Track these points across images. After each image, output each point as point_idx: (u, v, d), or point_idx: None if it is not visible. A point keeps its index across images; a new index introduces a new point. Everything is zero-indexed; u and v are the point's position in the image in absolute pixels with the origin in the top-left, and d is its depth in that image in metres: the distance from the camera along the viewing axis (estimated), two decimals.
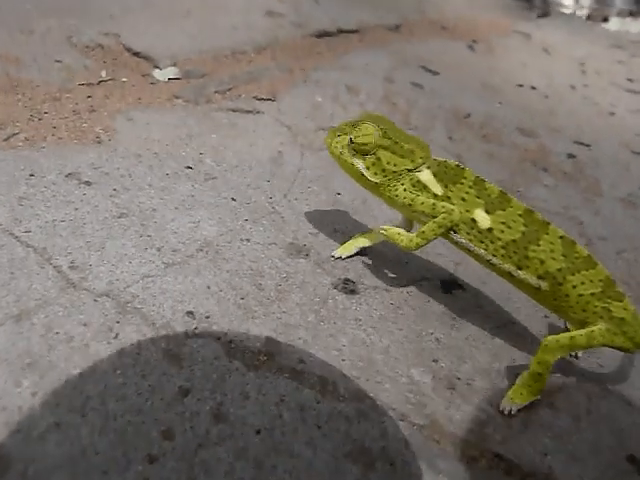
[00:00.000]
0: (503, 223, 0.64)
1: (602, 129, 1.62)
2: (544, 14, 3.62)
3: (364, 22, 2.06)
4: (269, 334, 0.62)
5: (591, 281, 0.62)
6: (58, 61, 1.17)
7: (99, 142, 0.90)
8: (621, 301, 0.63)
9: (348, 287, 0.72)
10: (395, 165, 0.67)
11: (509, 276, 0.65)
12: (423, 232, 0.66)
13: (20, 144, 0.85)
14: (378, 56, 1.73)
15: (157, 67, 1.27)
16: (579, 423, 0.63)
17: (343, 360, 0.61)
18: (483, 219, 0.64)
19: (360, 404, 0.57)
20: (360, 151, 0.67)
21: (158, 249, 0.69)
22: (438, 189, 0.66)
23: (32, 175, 0.76)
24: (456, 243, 0.67)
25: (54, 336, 0.56)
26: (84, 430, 0.49)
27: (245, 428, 0.52)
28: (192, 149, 0.94)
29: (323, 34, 1.82)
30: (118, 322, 0.58)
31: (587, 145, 1.47)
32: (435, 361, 0.65)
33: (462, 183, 0.66)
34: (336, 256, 0.76)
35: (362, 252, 0.78)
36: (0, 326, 0.56)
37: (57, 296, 0.60)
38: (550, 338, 0.62)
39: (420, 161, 0.67)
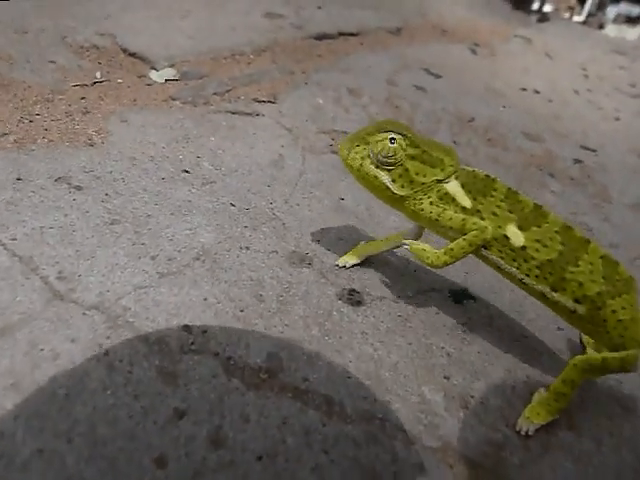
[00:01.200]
0: (538, 241, 0.59)
1: (608, 134, 1.59)
2: (543, 19, 3.61)
3: (365, 25, 2.03)
4: (271, 349, 0.58)
5: (632, 305, 0.58)
6: (52, 61, 1.14)
7: (91, 145, 0.86)
8: None
9: (353, 298, 0.68)
10: (425, 176, 0.61)
11: (542, 297, 0.60)
12: (452, 250, 0.61)
13: (9, 146, 0.81)
14: (380, 59, 1.70)
15: (154, 68, 1.23)
16: (601, 446, 0.59)
17: (349, 378, 0.57)
18: (516, 236, 0.59)
19: (369, 426, 0.53)
20: (385, 162, 0.61)
21: (152, 258, 0.65)
22: (467, 202, 0.61)
23: (20, 179, 0.72)
24: (486, 259, 0.62)
25: (39, 353, 0.52)
26: (70, 458, 0.45)
27: (245, 454, 0.48)
28: (189, 152, 0.90)
29: (323, 36, 1.78)
30: (108, 337, 0.54)
31: (593, 150, 1.44)
32: (447, 378, 0.61)
33: (493, 195, 0.60)
34: (340, 265, 0.72)
35: (367, 260, 0.74)
36: None
37: (43, 309, 0.56)
38: (581, 358, 0.57)
39: (451, 170, 0.61)
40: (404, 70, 1.66)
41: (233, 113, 1.08)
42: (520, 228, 0.59)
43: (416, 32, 2.21)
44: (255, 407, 0.52)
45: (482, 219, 0.60)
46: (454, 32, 2.37)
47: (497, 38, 2.49)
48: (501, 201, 0.60)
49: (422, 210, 0.62)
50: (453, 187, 0.61)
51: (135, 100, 1.07)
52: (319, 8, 1.99)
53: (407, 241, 0.65)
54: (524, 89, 1.81)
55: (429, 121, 1.34)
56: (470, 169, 0.62)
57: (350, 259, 0.73)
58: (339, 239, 0.78)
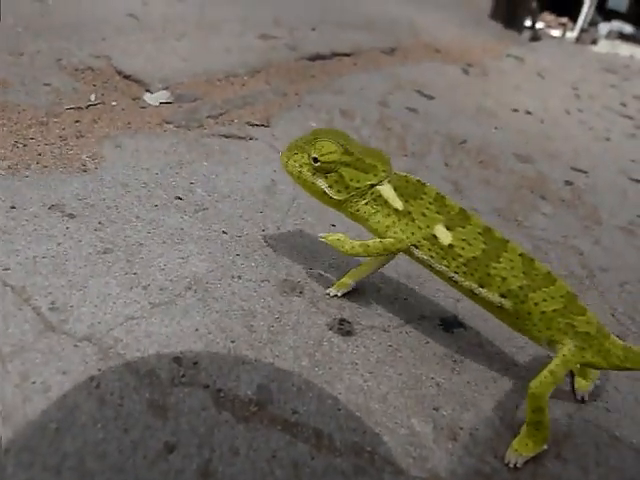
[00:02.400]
0: (464, 240, 0.63)
1: (598, 155, 1.61)
2: (535, 37, 3.66)
3: (358, 45, 2.06)
4: (261, 381, 0.58)
5: (552, 297, 0.61)
6: (47, 84, 1.15)
7: (85, 170, 0.87)
8: (584, 315, 0.62)
9: (344, 328, 0.68)
10: (358, 181, 0.65)
11: (471, 294, 0.64)
12: (367, 246, 0.65)
13: (2, 172, 0.81)
14: (373, 79, 1.72)
15: (148, 91, 1.25)
16: (588, 475, 0.59)
17: (339, 410, 0.58)
18: (444, 235, 0.63)
19: (358, 459, 0.53)
20: (322, 169, 0.65)
21: (144, 287, 0.66)
22: (399, 204, 0.65)
23: (13, 207, 0.73)
24: (418, 259, 0.65)
25: (30, 386, 0.52)
26: None
27: None
28: (182, 178, 0.91)
29: (317, 57, 1.80)
30: (100, 370, 0.55)
31: (584, 172, 1.46)
32: (436, 409, 0.61)
33: (422, 198, 0.64)
34: (332, 294, 0.73)
35: (358, 289, 0.75)
36: None
37: (35, 341, 0.56)
38: (533, 383, 0.59)
39: (383, 175, 0.65)
40: (397, 91, 1.68)
41: (226, 137, 1.10)
42: (447, 228, 0.63)
43: (409, 52, 2.24)
44: (244, 440, 0.52)
45: (413, 220, 0.64)
46: (447, 52, 2.40)
47: (489, 57, 2.52)
48: (430, 203, 0.64)
49: (358, 211, 0.66)
50: (386, 190, 0.65)
51: (129, 123, 1.08)
52: (313, 29, 2.01)
53: (322, 234, 0.70)
54: (516, 109, 1.83)
55: (421, 143, 1.36)
56: (402, 174, 0.67)
57: (341, 287, 0.73)
58: (330, 267, 0.79)
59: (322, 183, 0.65)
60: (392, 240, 0.64)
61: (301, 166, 0.66)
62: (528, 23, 4.27)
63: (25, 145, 0.91)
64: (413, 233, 0.64)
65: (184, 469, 0.49)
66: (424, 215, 0.64)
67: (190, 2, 1.96)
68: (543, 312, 0.61)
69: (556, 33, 4.63)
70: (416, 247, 0.64)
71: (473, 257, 0.62)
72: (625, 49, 4.42)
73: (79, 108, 1.10)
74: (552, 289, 0.62)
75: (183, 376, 0.56)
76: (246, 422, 0.54)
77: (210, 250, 0.75)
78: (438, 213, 0.64)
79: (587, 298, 0.92)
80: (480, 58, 2.44)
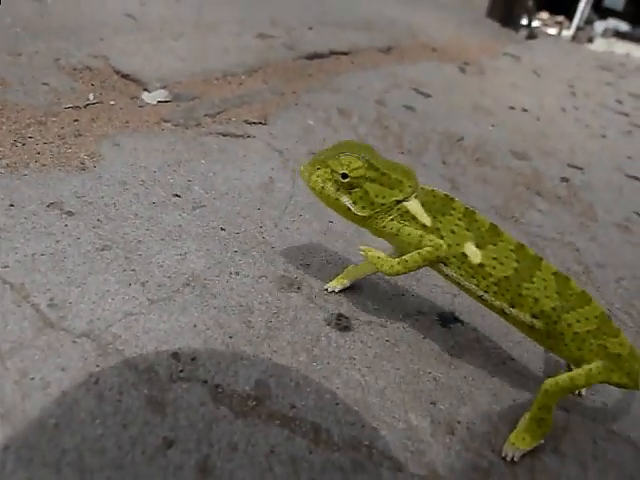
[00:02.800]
0: (495, 259, 0.61)
1: (594, 152, 1.62)
2: (532, 36, 3.66)
3: (356, 44, 2.06)
4: (259, 376, 0.58)
5: (586, 319, 0.60)
6: (45, 83, 1.15)
7: (83, 169, 0.87)
8: (617, 337, 0.60)
9: (341, 323, 0.68)
10: (384, 197, 0.63)
11: (502, 313, 0.63)
12: (406, 261, 0.63)
13: (2, 171, 0.82)
14: (370, 78, 1.72)
15: (146, 90, 1.25)
16: (586, 470, 0.60)
17: (337, 404, 0.58)
18: (474, 254, 0.61)
19: (356, 454, 0.54)
20: (345, 185, 0.63)
21: (142, 284, 0.66)
22: (427, 220, 0.63)
23: (12, 205, 0.73)
24: (447, 276, 0.64)
25: (29, 382, 0.52)
26: None
27: None
28: (180, 176, 0.91)
29: (314, 56, 1.81)
30: (98, 366, 0.55)
31: (580, 168, 1.46)
32: (433, 403, 0.62)
33: (451, 214, 0.63)
34: (329, 290, 0.73)
35: (356, 284, 0.75)
36: None
37: (34, 337, 0.56)
38: (550, 382, 0.59)
39: (409, 190, 0.64)
40: (394, 89, 1.68)
41: (224, 135, 1.10)
42: (477, 246, 0.62)
43: (406, 51, 2.24)
44: (243, 435, 0.52)
45: (441, 237, 0.62)
46: (444, 50, 2.41)
47: (486, 56, 2.53)
48: (459, 220, 0.62)
49: (384, 227, 0.64)
50: (414, 206, 0.64)
51: (127, 122, 1.09)
52: (310, 29, 2.02)
53: (363, 247, 0.67)
54: (512, 107, 1.84)
55: (418, 141, 1.36)
56: (430, 188, 0.65)
57: (338, 283, 0.74)
58: (328, 263, 0.79)
59: (346, 199, 0.64)
60: (429, 248, 0.62)
61: (324, 182, 0.64)
62: (524, 22, 4.28)
63: (24, 144, 0.92)
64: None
65: (183, 465, 0.49)
66: (453, 232, 0.62)
67: (187, 2, 1.96)
68: (576, 333, 0.60)
69: (552, 31, 4.63)
70: (445, 264, 0.63)
71: (505, 277, 0.61)
72: (621, 47, 4.43)
73: (77, 107, 1.10)
74: (586, 309, 0.60)
75: (181, 372, 0.57)
76: (244, 417, 0.54)
77: (208, 247, 0.75)
78: (468, 230, 0.62)
79: None
80: (477, 57, 2.45)
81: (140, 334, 0.59)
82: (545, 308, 0.60)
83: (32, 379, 0.53)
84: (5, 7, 1.42)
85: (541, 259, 0.62)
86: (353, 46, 2.02)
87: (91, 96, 1.17)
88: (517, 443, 0.59)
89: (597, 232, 1.15)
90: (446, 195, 0.64)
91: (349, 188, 0.63)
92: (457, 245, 0.62)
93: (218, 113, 1.21)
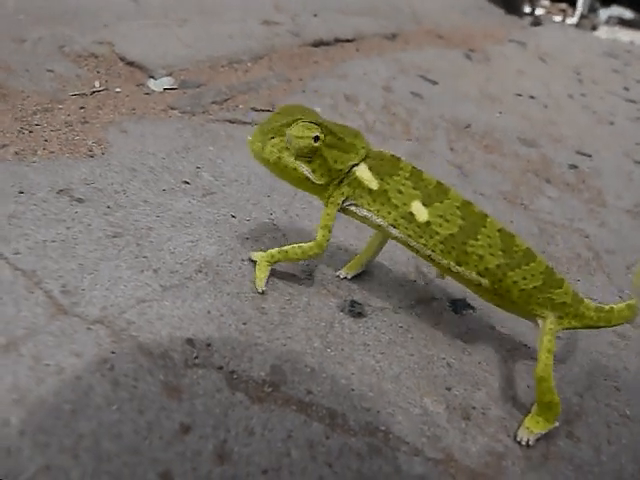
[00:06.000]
0: (441, 216, 0.61)
1: (603, 138, 1.61)
2: (536, 22, 3.63)
3: (361, 31, 2.05)
4: (274, 362, 0.58)
5: (532, 275, 0.61)
6: (50, 70, 1.14)
7: (92, 156, 0.86)
8: (561, 287, 0.62)
9: (355, 310, 0.68)
10: (342, 163, 0.62)
11: (450, 272, 0.63)
12: (286, 251, 0.65)
13: (10, 158, 0.81)
14: (376, 65, 1.71)
15: (152, 77, 1.24)
16: (600, 454, 0.60)
17: (352, 390, 0.58)
18: (421, 212, 0.61)
19: (372, 438, 0.54)
20: (304, 153, 0.60)
21: (155, 271, 0.65)
22: (374, 184, 0.62)
23: (22, 192, 0.73)
24: (396, 238, 0.64)
25: (44, 368, 0.52)
26: (75, 473, 0.45)
27: (250, 468, 0.48)
28: (189, 162, 0.90)
29: (320, 43, 1.79)
30: (113, 352, 0.55)
31: (588, 155, 1.46)
32: (448, 389, 0.61)
33: (399, 175, 0.62)
34: (342, 276, 0.73)
35: (368, 271, 0.75)
36: None
37: (47, 323, 0.56)
38: (538, 369, 0.59)
39: (363, 152, 0.63)
40: (400, 76, 1.67)
41: (231, 122, 1.09)
42: (424, 204, 0.62)
43: (411, 37, 2.23)
44: (259, 421, 0.52)
45: (389, 199, 0.62)
46: (449, 37, 2.39)
47: (491, 42, 2.51)
48: (406, 179, 0.62)
49: (332, 196, 0.64)
50: (362, 171, 0.63)
51: (134, 109, 1.08)
52: (315, 15, 2.00)
53: (254, 255, 0.69)
54: (519, 94, 1.82)
55: (425, 128, 1.35)
56: (377, 150, 0.64)
57: (351, 270, 0.73)
58: (338, 249, 0.79)
59: (305, 168, 0.61)
60: (313, 245, 0.64)
61: (280, 151, 0.61)
62: (528, 9, 4.24)
63: (31, 131, 0.91)
64: (390, 212, 0.62)
65: (200, 450, 0.49)
66: (400, 192, 0.62)
67: None
68: (522, 290, 0.61)
69: (556, 19, 4.59)
70: (393, 227, 0.63)
71: (450, 234, 0.61)
72: (625, 35, 4.39)
73: (83, 94, 1.10)
74: (532, 266, 0.61)
75: (196, 358, 0.56)
76: (260, 403, 0.54)
77: (219, 234, 0.74)
78: (414, 189, 0.62)
79: (594, 280, 0.92)
80: (482, 43, 2.43)
81: (154, 320, 0.59)
82: (490, 266, 0.60)
83: (47, 365, 0.52)
84: None
85: (487, 216, 0.62)
86: (358, 33, 2.01)
87: (97, 83, 1.16)
88: (531, 427, 0.59)
89: (606, 218, 1.15)
90: (392, 156, 0.63)
91: (308, 156, 0.61)
92: (404, 205, 0.62)
93: (225, 100, 1.20)
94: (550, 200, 1.17)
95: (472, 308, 0.75)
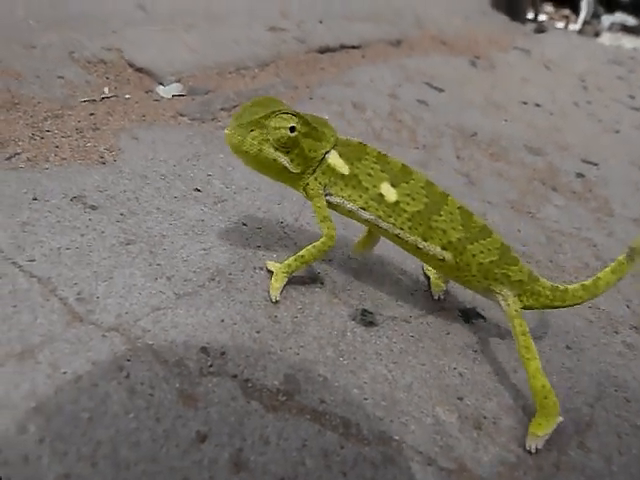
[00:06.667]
0: (408, 195, 0.64)
1: (609, 147, 1.61)
2: (540, 29, 3.64)
3: (365, 37, 2.05)
4: (287, 371, 0.59)
5: (489, 249, 0.65)
6: (60, 77, 1.15)
7: (103, 163, 0.87)
8: (516, 265, 0.66)
9: (366, 318, 0.69)
10: (315, 151, 0.64)
11: (415, 249, 0.65)
12: (302, 256, 0.66)
13: (22, 165, 0.82)
14: (381, 72, 1.72)
15: (160, 83, 1.25)
16: (611, 465, 0.60)
17: (365, 399, 0.58)
18: (390, 192, 0.64)
19: (386, 448, 0.54)
20: (284, 144, 0.62)
21: (168, 278, 0.66)
22: (345, 169, 0.65)
23: (35, 199, 0.73)
24: (365, 221, 0.66)
25: (61, 376, 0.52)
26: None
27: (267, 477, 0.49)
28: (200, 170, 0.91)
29: (325, 49, 1.80)
30: (129, 360, 0.55)
31: (595, 164, 1.46)
32: (460, 399, 0.62)
33: (366, 159, 0.65)
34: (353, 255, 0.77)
35: (378, 279, 0.75)
36: (1, 366, 0.52)
37: (63, 331, 0.57)
38: (526, 364, 0.62)
39: (333, 140, 0.65)
40: (406, 83, 1.68)
41: None
42: (392, 185, 0.64)
43: (416, 44, 2.24)
44: (274, 429, 0.53)
45: (360, 182, 0.65)
46: (453, 44, 2.40)
47: (496, 49, 2.52)
48: (374, 163, 0.65)
49: (308, 185, 0.66)
50: (333, 158, 0.65)
51: (144, 116, 1.09)
52: (320, 22, 2.01)
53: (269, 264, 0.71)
54: (525, 102, 1.83)
55: (432, 135, 1.36)
56: (344, 138, 0.67)
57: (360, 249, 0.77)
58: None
59: (284, 159, 0.63)
60: (324, 240, 0.66)
61: (260, 143, 0.62)
62: (531, 15, 4.25)
63: (42, 137, 0.92)
64: (361, 195, 0.65)
65: (217, 458, 0.49)
66: (370, 175, 0.65)
67: None
68: (481, 263, 0.65)
69: (558, 25, 4.60)
70: (364, 209, 0.65)
71: (417, 211, 0.64)
72: (628, 41, 4.40)
73: (93, 101, 1.10)
74: (488, 241, 0.65)
75: (211, 366, 0.57)
76: (275, 412, 0.54)
77: (231, 242, 0.75)
78: (382, 171, 0.65)
79: None
80: (487, 50, 2.44)
81: (169, 328, 0.59)
82: (452, 239, 0.64)
83: (64, 372, 0.53)
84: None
85: (448, 195, 0.65)
86: (363, 39, 2.01)
87: (106, 89, 1.16)
88: (535, 431, 0.60)
89: (614, 227, 1.15)
90: (359, 142, 0.66)
91: (287, 146, 0.63)
92: (374, 187, 0.65)
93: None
94: (557, 209, 1.18)
95: (482, 317, 0.76)
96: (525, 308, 0.67)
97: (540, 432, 0.59)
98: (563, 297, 0.68)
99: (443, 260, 0.65)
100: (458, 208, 0.65)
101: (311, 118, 0.64)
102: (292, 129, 0.62)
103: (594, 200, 1.26)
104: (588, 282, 0.70)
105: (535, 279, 0.67)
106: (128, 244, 0.69)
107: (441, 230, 0.64)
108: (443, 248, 0.64)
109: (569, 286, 0.69)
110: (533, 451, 0.59)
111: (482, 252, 0.64)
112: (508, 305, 0.65)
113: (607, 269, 0.71)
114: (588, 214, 1.18)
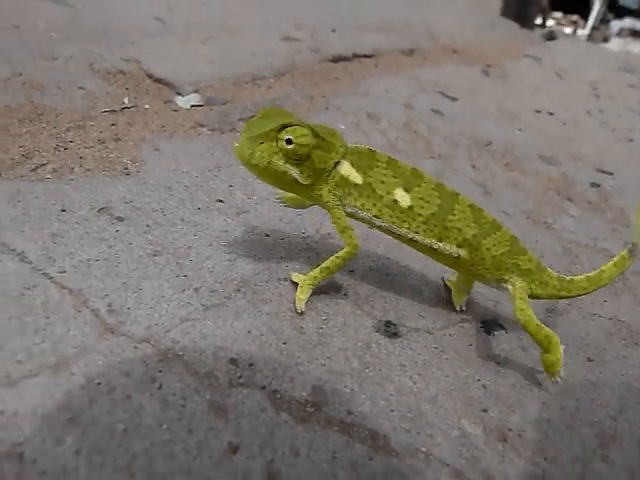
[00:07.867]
0: (421, 199, 0.66)
1: (623, 156, 1.62)
2: (550, 36, 3.65)
3: (378, 47, 2.07)
4: (314, 382, 0.59)
5: (500, 242, 0.67)
6: (81, 88, 1.16)
7: (128, 174, 0.88)
8: (525, 255, 0.69)
9: (390, 330, 0.69)
10: (325, 162, 0.65)
11: (430, 250, 0.67)
12: (328, 268, 0.68)
13: (49, 176, 0.83)
14: (395, 82, 1.73)
15: (179, 94, 1.26)
16: (635, 478, 0.60)
17: (392, 411, 0.59)
18: (404, 198, 0.65)
19: (414, 460, 0.55)
20: (296, 156, 0.62)
21: (196, 290, 0.67)
22: (358, 178, 0.66)
23: (64, 210, 0.75)
24: (380, 228, 0.68)
25: (95, 387, 0.53)
26: None
27: None
28: (221, 181, 0.92)
29: (339, 58, 1.82)
30: (160, 371, 0.56)
31: (610, 173, 1.46)
32: (484, 411, 0.62)
33: (377, 166, 0.66)
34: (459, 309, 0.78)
35: (400, 291, 0.76)
36: (35, 377, 0.53)
37: (96, 342, 0.58)
38: (517, 314, 0.67)
39: (342, 151, 0.66)
40: (420, 93, 1.69)
41: None
42: (405, 190, 0.66)
43: (428, 53, 2.25)
44: (304, 441, 0.53)
45: (374, 190, 0.66)
46: (464, 53, 2.41)
47: (507, 58, 2.52)
48: (385, 169, 0.66)
49: (321, 196, 0.67)
50: (345, 168, 0.66)
51: (163, 127, 1.10)
52: (333, 31, 2.02)
53: (293, 275, 0.72)
54: (538, 111, 1.83)
55: (447, 145, 1.36)
56: (353, 146, 0.67)
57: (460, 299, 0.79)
58: (371, 269, 0.80)
59: (294, 171, 0.63)
60: (347, 249, 0.67)
61: (270, 156, 0.62)
62: (539, 21, 4.25)
63: (66, 148, 0.93)
64: (375, 203, 0.66)
65: (250, 469, 0.50)
66: (383, 182, 0.66)
67: (213, 6, 1.97)
68: (494, 256, 0.67)
69: (567, 31, 4.60)
70: (377, 217, 0.66)
71: (431, 213, 0.66)
72: (637, 47, 4.39)
73: (114, 111, 1.12)
74: (499, 235, 0.67)
75: (240, 377, 0.58)
76: (304, 423, 0.55)
77: (255, 252, 0.76)
78: (394, 177, 0.66)
79: (621, 302, 0.93)
80: (499, 59, 2.44)
81: (198, 340, 0.60)
82: (467, 236, 0.66)
83: (98, 384, 0.54)
84: (39, 12, 1.44)
85: (458, 194, 0.67)
86: (375, 49, 2.03)
87: (126, 100, 1.18)
88: (551, 369, 0.67)
89: (630, 238, 1.15)
90: (369, 148, 0.67)
91: (299, 159, 0.63)
92: (388, 194, 0.66)
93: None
94: (573, 219, 1.18)
95: (504, 329, 0.76)
96: (533, 297, 0.70)
97: (556, 368, 0.67)
98: (569, 287, 0.72)
99: (458, 257, 0.67)
100: (469, 206, 0.67)
101: (320, 129, 0.65)
102: (289, 141, 0.61)
103: (610, 210, 1.26)
104: (592, 274, 0.73)
105: (543, 269, 0.70)
106: (155, 255, 0.71)
107: (456, 229, 0.66)
108: (459, 246, 0.66)
109: (575, 277, 0.73)
110: (559, 380, 0.67)
111: (495, 245, 0.67)
112: (515, 288, 0.68)
113: (610, 263, 0.74)
114: (604, 225, 1.19)
